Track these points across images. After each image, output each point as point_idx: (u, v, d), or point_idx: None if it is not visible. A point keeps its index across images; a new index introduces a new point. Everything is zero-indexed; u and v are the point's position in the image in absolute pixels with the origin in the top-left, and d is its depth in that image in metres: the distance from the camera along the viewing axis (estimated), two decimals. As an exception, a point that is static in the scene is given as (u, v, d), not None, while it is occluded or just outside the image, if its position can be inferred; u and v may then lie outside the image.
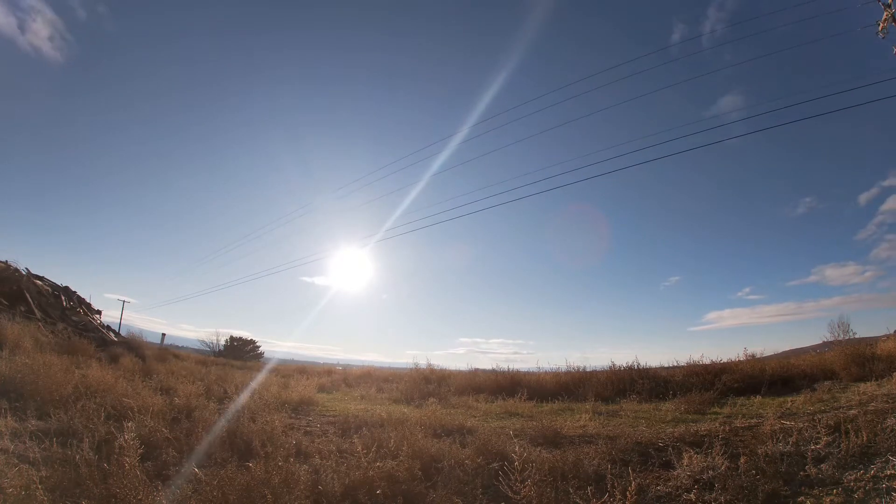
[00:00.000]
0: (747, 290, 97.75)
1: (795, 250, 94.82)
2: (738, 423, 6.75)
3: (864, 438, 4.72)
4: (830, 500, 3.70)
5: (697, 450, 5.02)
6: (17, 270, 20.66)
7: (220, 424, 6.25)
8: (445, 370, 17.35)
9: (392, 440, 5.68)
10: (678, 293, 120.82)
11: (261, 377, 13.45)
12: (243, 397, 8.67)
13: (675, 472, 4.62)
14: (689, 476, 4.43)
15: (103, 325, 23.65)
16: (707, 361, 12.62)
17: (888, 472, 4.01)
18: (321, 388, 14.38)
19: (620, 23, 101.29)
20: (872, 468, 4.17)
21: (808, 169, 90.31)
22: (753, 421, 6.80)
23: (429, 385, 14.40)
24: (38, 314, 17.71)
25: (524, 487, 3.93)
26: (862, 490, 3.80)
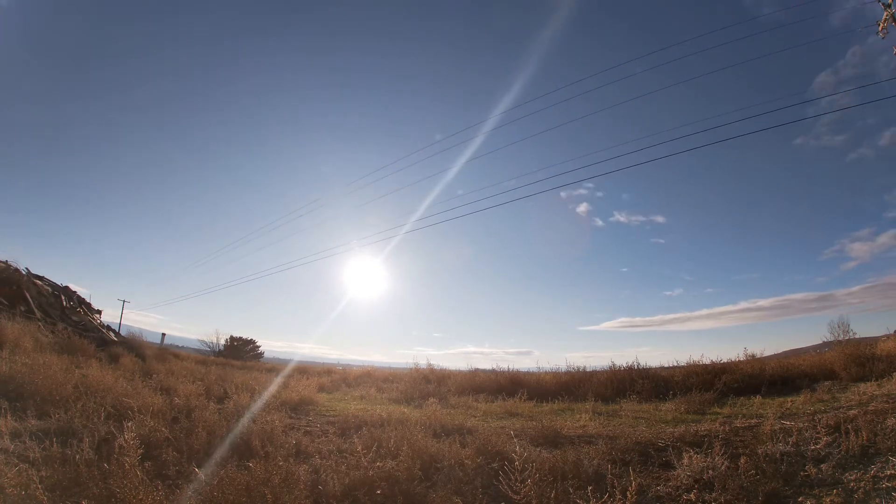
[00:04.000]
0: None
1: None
2: (738, 423, 6.75)
3: (864, 438, 4.72)
4: (830, 500, 3.69)
5: (697, 450, 5.02)
6: (17, 270, 20.65)
7: (221, 425, 6.25)
8: (445, 370, 17.32)
9: (392, 440, 5.67)
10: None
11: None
12: (244, 399, 8.65)
13: (676, 472, 4.61)
14: (689, 476, 4.43)
15: (103, 325, 23.66)
16: (707, 361, 12.65)
17: (888, 472, 4.01)
18: (321, 388, 14.35)
19: (624, 24, 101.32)
20: (872, 468, 4.17)
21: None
22: (753, 421, 6.79)
23: (429, 385, 14.39)
24: (38, 314, 17.70)
25: (524, 487, 3.93)
26: (862, 490, 3.80)
